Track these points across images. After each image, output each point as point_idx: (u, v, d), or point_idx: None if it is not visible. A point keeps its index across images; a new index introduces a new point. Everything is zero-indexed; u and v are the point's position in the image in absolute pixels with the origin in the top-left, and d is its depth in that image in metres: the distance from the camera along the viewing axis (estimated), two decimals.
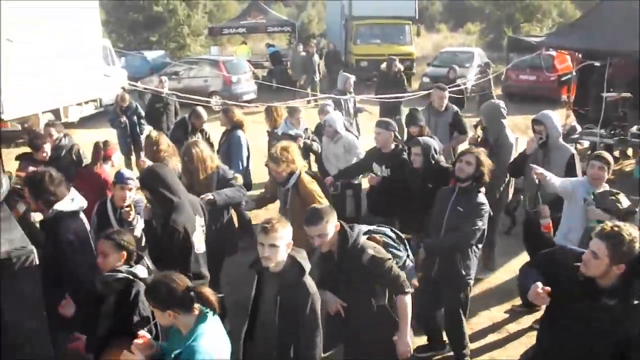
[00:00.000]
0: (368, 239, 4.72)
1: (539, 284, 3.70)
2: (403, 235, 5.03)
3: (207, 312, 3.54)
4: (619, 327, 3.61)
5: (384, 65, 15.23)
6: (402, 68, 15.28)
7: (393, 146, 7.18)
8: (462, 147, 8.13)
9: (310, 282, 4.15)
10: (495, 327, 6.81)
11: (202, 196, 5.95)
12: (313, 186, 6.00)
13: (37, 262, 3.27)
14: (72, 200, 5.04)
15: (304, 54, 22.29)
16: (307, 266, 4.17)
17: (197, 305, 3.51)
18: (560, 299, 3.77)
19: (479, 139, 8.14)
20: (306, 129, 9.20)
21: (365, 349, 4.67)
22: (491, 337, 6.64)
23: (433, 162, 6.53)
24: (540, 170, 6.06)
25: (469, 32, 39.69)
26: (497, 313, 7.11)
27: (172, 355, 3.44)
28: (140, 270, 4.25)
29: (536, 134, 6.69)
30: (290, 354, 4.15)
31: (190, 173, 6.35)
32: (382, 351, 4.61)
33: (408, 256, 4.99)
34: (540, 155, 6.67)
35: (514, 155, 7.67)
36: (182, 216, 5.11)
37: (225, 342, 3.67)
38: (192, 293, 3.51)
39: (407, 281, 4.58)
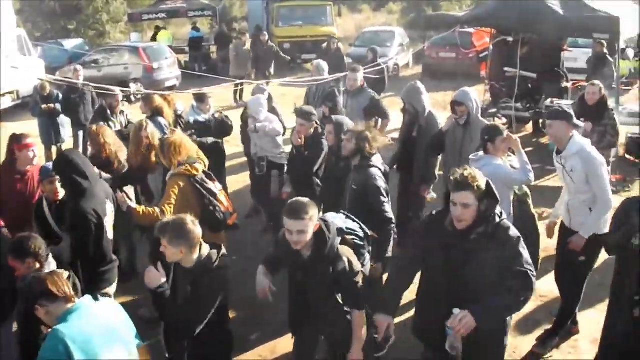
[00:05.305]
0: (341, 241, 4.45)
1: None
2: (370, 233, 4.91)
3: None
4: (494, 256, 3.80)
5: (325, 45, 15.37)
6: (341, 47, 15.52)
7: (312, 130, 7.21)
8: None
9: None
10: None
11: None
12: (172, 187, 5.67)
13: None
14: None
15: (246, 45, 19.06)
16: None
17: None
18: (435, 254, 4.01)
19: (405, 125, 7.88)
20: (216, 113, 8.85)
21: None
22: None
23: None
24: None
25: (390, 12, 39.94)
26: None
27: None
28: None
29: (458, 114, 6.79)
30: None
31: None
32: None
33: (369, 252, 4.92)
34: (460, 132, 6.80)
35: None
36: (91, 201, 5.14)
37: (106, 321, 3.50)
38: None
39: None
